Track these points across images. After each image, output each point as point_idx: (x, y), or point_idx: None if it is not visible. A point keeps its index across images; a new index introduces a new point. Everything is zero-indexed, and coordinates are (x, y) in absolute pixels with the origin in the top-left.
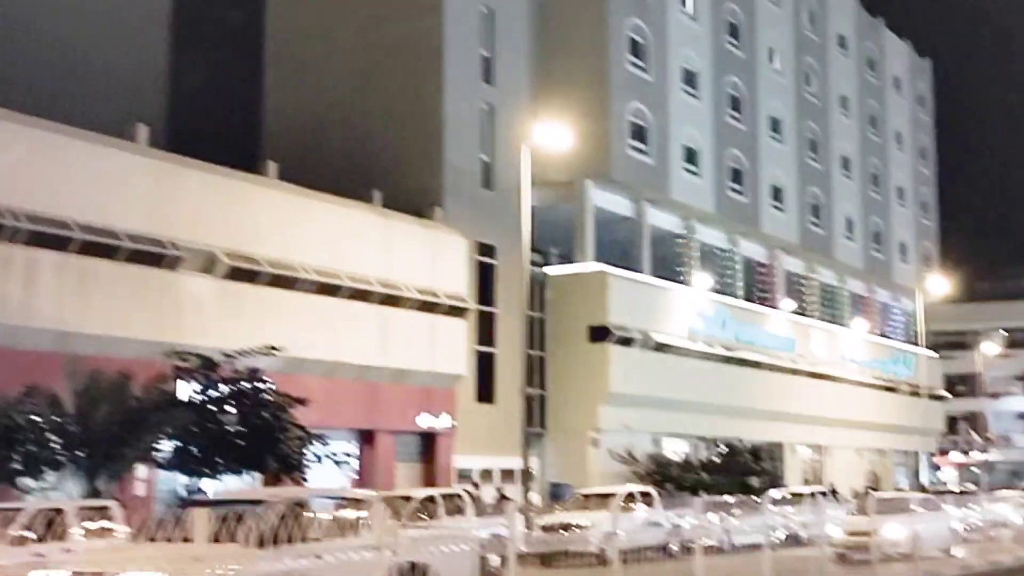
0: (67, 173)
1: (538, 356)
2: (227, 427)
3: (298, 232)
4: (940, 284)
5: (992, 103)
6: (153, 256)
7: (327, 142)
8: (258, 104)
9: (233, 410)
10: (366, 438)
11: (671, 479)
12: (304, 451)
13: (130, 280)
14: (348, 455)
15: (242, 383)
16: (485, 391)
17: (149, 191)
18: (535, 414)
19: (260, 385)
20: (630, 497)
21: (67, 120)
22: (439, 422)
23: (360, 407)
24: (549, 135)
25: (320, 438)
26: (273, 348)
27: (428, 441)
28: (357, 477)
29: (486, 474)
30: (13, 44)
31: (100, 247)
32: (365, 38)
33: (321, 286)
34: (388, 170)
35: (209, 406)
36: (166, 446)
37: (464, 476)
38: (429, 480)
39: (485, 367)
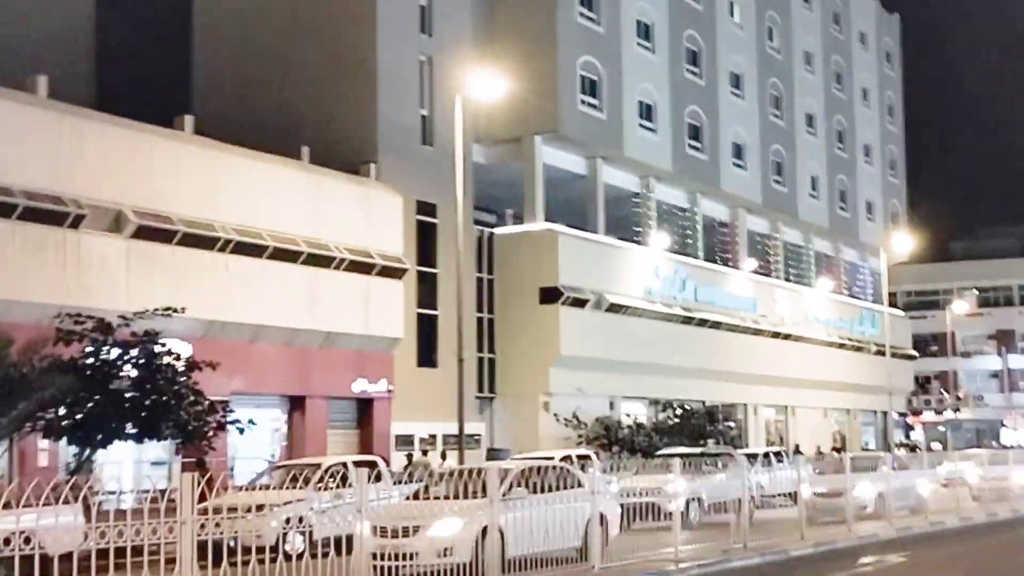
0: None
1: (487, 319)
2: (120, 393)
3: (216, 189)
4: (905, 242)
5: (963, 59)
6: (53, 214)
7: (257, 97)
8: (187, 59)
9: (127, 375)
10: (296, 404)
11: (620, 442)
12: (206, 419)
13: (28, 240)
14: (252, 422)
15: (135, 347)
16: (428, 355)
17: (48, 146)
18: (484, 378)
19: (156, 349)
20: (567, 461)
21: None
22: (375, 387)
23: (288, 372)
24: (485, 86)
25: (224, 404)
26: (171, 309)
27: (364, 407)
28: (286, 444)
29: (429, 440)
30: None
31: None
32: None
33: (241, 245)
34: (321, 126)
35: (99, 371)
36: (53, 415)
37: (405, 442)
38: (366, 447)
39: (428, 330)
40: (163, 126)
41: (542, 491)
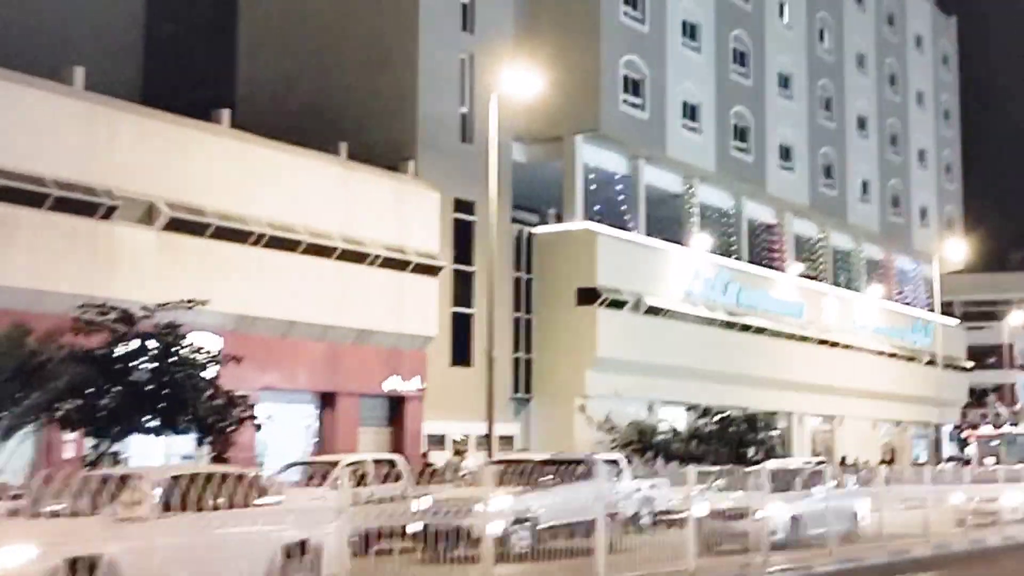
0: None
1: (525, 318)
2: (138, 385)
3: (250, 183)
4: (959, 250)
5: (1021, 63)
6: (84, 205)
7: (299, 93)
8: (232, 53)
9: (145, 367)
10: (327, 401)
11: (654, 448)
12: (226, 413)
13: (58, 230)
14: (270, 417)
15: (154, 339)
16: (462, 354)
17: (82, 137)
18: (521, 378)
19: (175, 341)
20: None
21: (47, 73)
22: (408, 385)
23: (320, 369)
24: (525, 84)
25: (244, 399)
26: (193, 301)
27: (396, 405)
28: (317, 441)
29: (462, 441)
30: None
31: (23, 194)
32: None
33: (274, 240)
34: (361, 122)
35: (117, 363)
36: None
37: (437, 442)
38: (397, 446)
39: (463, 329)
40: (204, 119)
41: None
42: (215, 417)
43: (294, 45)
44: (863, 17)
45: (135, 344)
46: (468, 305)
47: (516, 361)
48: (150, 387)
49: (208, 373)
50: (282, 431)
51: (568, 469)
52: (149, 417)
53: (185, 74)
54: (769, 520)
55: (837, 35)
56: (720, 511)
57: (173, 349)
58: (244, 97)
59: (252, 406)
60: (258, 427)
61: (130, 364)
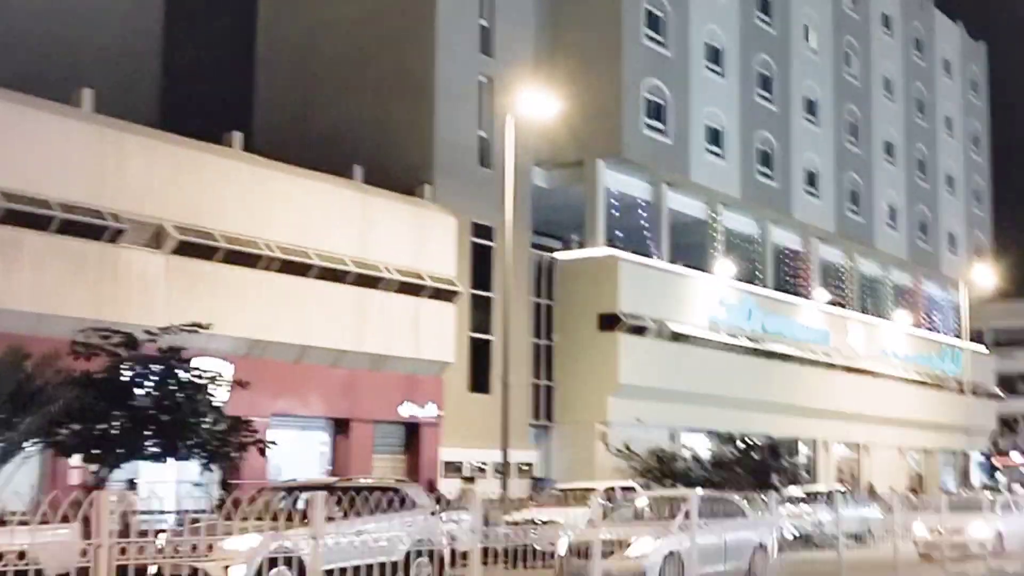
0: None
1: (546, 345)
2: (138, 410)
3: (262, 206)
4: (988, 276)
5: None
6: (91, 228)
7: (317, 117)
8: (250, 78)
9: (144, 392)
10: (341, 427)
11: (674, 475)
12: (229, 438)
13: (64, 253)
14: (273, 442)
15: (155, 363)
16: (480, 380)
17: (89, 159)
18: (541, 405)
19: (176, 365)
20: (609, 493)
21: (62, 96)
22: (424, 412)
23: (334, 394)
24: (544, 108)
25: (247, 424)
26: (197, 325)
27: (411, 432)
28: (331, 468)
29: (478, 468)
30: (9, 16)
31: (28, 217)
32: (355, 6)
33: (287, 264)
34: (379, 146)
35: (117, 387)
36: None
37: (454, 469)
38: (413, 473)
39: (481, 355)
40: (220, 143)
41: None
42: (217, 442)
43: (312, 69)
44: (891, 42)
45: (137, 368)
46: (486, 331)
47: (537, 388)
48: (150, 412)
49: (217, 398)
50: (294, 457)
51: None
52: (150, 443)
53: (203, 99)
54: None
55: (864, 60)
56: None
57: (175, 373)
58: (262, 122)
59: (256, 431)
60: (262, 452)
61: (130, 389)
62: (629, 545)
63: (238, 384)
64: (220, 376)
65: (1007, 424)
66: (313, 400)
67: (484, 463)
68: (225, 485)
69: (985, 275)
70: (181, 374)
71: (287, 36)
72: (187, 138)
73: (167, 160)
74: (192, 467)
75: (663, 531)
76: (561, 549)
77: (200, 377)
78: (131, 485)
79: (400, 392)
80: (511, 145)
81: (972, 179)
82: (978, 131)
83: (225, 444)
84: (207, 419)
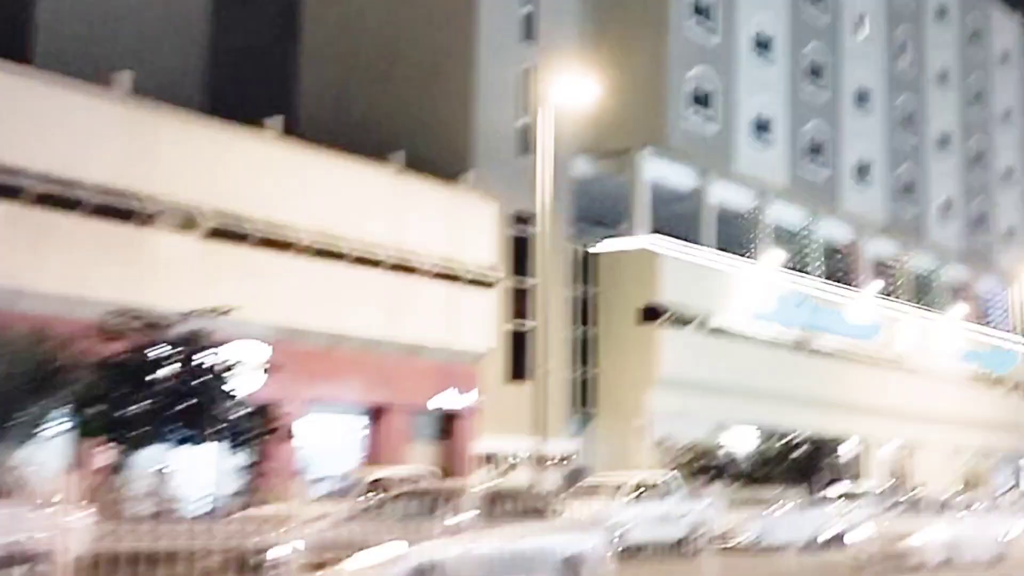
0: (28, 120)
1: (588, 334)
2: (160, 394)
3: (297, 192)
4: None
5: None
6: (122, 211)
7: (359, 103)
8: (294, 64)
9: (167, 375)
10: (376, 415)
11: (712, 469)
12: (248, 424)
13: (96, 236)
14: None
15: (179, 346)
16: (518, 370)
17: (123, 142)
18: (583, 395)
19: (200, 348)
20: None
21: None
22: (460, 401)
23: (369, 382)
24: (587, 96)
25: (273, 409)
26: (222, 308)
27: (447, 421)
28: (366, 456)
29: (514, 458)
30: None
31: (61, 199)
32: None
33: (322, 250)
34: (418, 133)
35: (139, 370)
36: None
37: (490, 458)
38: (449, 462)
39: (520, 344)
40: (261, 127)
41: None
42: (239, 427)
43: (354, 57)
44: (945, 32)
45: (160, 351)
46: (525, 320)
47: (578, 378)
48: (172, 395)
49: (244, 383)
50: (328, 444)
51: None
52: (173, 426)
53: (248, 84)
54: None
55: (918, 50)
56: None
57: (198, 356)
58: (305, 107)
59: (280, 417)
60: (289, 438)
61: (152, 372)
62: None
63: (267, 369)
64: (244, 361)
65: None
66: (348, 387)
67: (517, 454)
68: (250, 471)
69: None
70: (205, 358)
71: (331, 21)
72: (222, 121)
73: (201, 144)
74: (224, 453)
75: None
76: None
77: (224, 361)
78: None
79: (437, 381)
80: (550, 132)
81: None
82: None
83: (248, 430)
84: (228, 404)
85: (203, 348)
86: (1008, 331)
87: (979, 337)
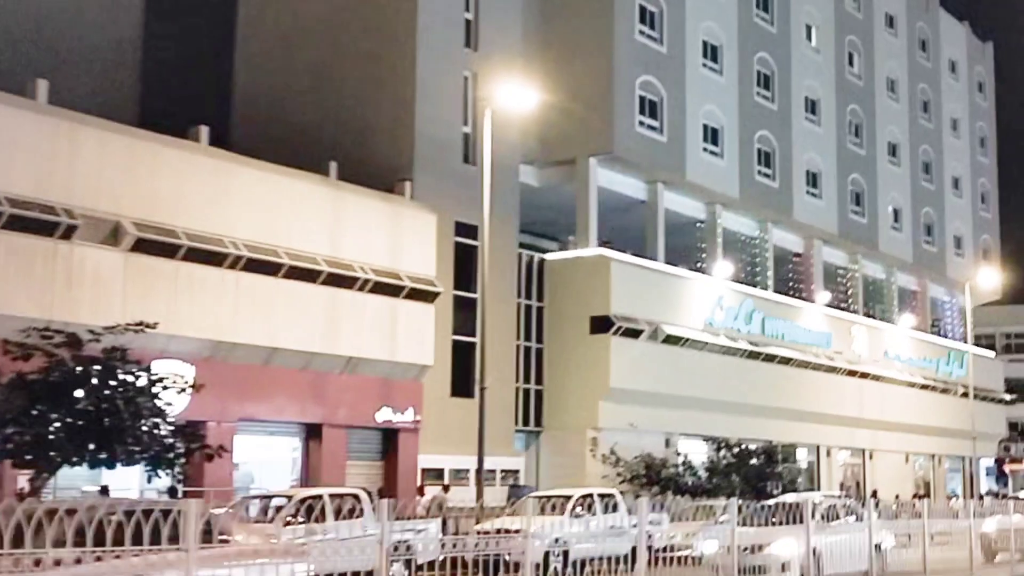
0: None
1: (536, 348)
2: (76, 413)
3: (228, 203)
4: (992, 278)
5: None
6: (41, 224)
7: (297, 113)
8: (230, 75)
9: (83, 394)
10: (313, 433)
11: (663, 482)
12: (173, 443)
13: (14, 250)
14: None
15: (96, 365)
16: (463, 384)
17: (41, 152)
18: (530, 410)
19: (119, 366)
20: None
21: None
22: (402, 417)
23: (305, 399)
24: (530, 103)
25: (188, 428)
26: (144, 324)
27: (389, 437)
28: (303, 475)
29: (459, 474)
30: None
31: None
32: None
33: (253, 262)
34: (358, 142)
35: (53, 389)
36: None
37: (435, 476)
38: (390, 480)
39: (465, 358)
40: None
41: None
42: (159, 448)
43: (292, 66)
44: (894, 42)
45: (75, 369)
46: (470, 333)
47: (526, 392)
48: (88, 415)
49: (176, 401)
50: (263, 464)
51: None
52: (89, 447)
53: (182, 96)
54: None
55: (867, 59)
56: None
57: (116, 375)
58: (241, 117)
59: (206, 435)
60: (209, 457)
61: (68, 390)
62: None
63: (193, 387)
64: (170, 378)
65: (1017, 429)
66: (283, 404)
67: (465, 469)
68: (172, 493)
69: (990, 278)
70: (123, 376)
71: (267, 31)
72: (148, 131)
73: (126, 154)
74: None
75: None
76: None
77: (147, 379)
78: (104, 491)
79: (376, 396)
80: (488, 139)
81: (978, 181)
82: (984, 132)
83: (169, 450)
84: (146, 423)
85: (123, 365)
86: (959, 338)
87: (930, 344)
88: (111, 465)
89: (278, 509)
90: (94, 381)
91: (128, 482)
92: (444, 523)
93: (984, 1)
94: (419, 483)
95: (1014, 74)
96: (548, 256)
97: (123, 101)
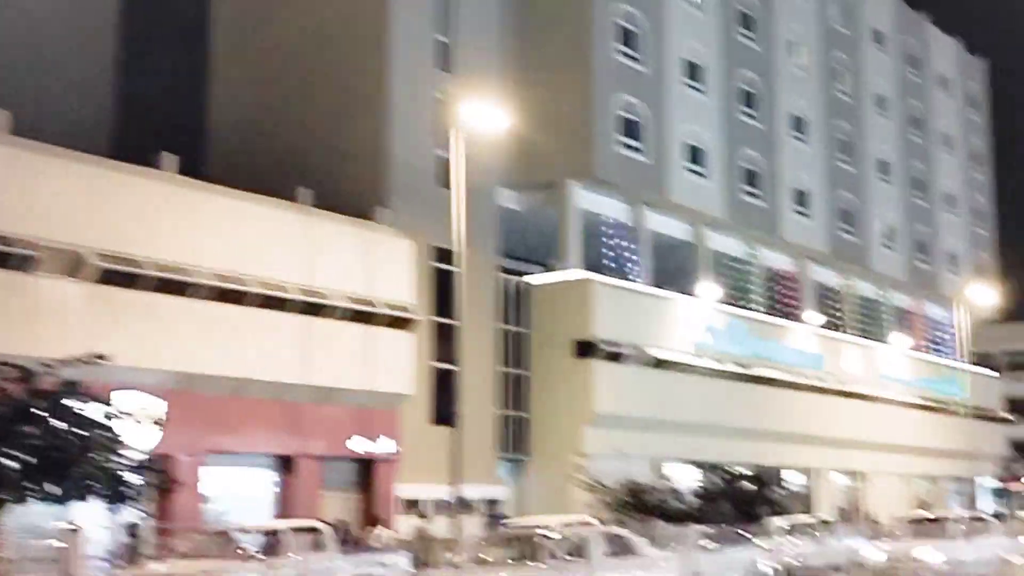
0: None
1: (517, 374)
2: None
3: (196, 232)
4: (988, 296)
5: None
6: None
7: (272, 140)
8: (204, 104)
9: (36, 429)
10: (286, 465)
11: (649, 508)
12: (126, 476)
13: None
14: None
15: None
16: (443, 412)
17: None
18: (514, 438)
19: (70, 400)
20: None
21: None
22: (378, 447)
23: (278, 430)
24: (499, 122)
25: (147, 462)
26: (99, 357)
27: (366, 468)
28: (278, 508)
29: (445, 504)
30: None
31: None
32: (308, 25)
33: (223, 292)
34: (331, 168)
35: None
36: None
37: (414, 506)
38: (367, 511)
39: (445, 385)
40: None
41: None
42: (115, 483)
43: (266, 93)
44: (883, 58)
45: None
46: (450, 360)
47: (509, 419)
48: (40, 450)
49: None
50: (235, 498)
51: None
52: (42, 483)
53: (156, 124)
54: None
55: (855, 76)
56: None
57: (69, 408)
58: (215, 145)
59: (170, 469)
60: (167, 492)
61: (22, 424)
62: None
63: (155, 422)
64: (134, 410)
65: (1020, 448)
66: (255, 436)
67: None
68: (132, 529)
69: (986, 295)
70: (78, 409)
71: (240, 58)
72: (113, 161)
73: (90, 184)
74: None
75: None
76: None
77: (106, 412)
78: (75, 528)
79: (352, 426)
80: (461, 162)
81: (973, 198)
82: (978, 148)
83: (124, 484)
84: (99, 457)
85: (76, 398)
86: (955, 357)
87: (925, 364)
88: (63, 501)
89: (234, 544)
90: (45, 415)
91: (100, 518)
92: (417, 555)
93: (980, 19)
94: (392, 513)
95: (1012, 90)
96: (531, 280)
97: (97, 131)
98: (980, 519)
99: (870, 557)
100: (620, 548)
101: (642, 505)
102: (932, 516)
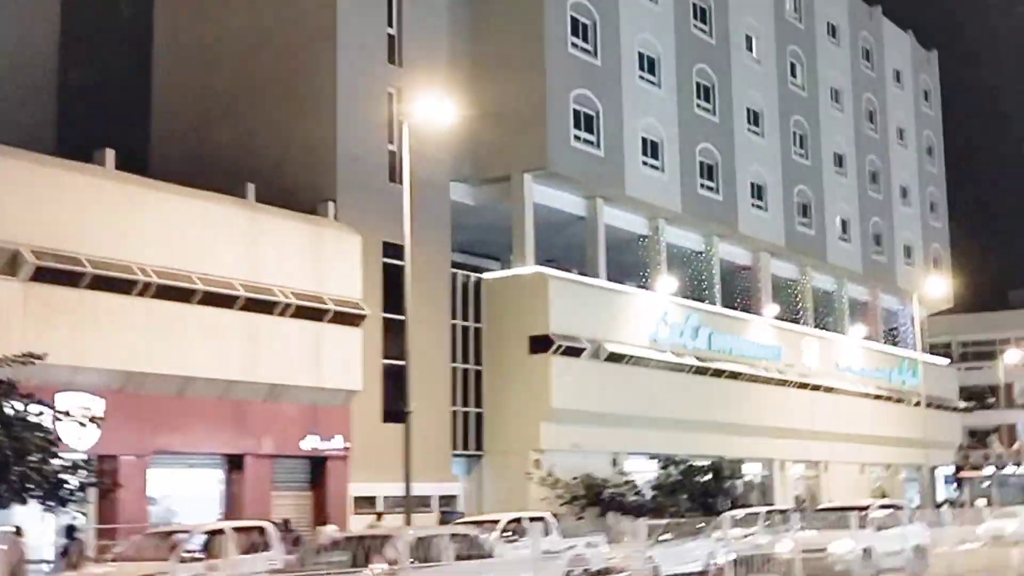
0: None
1: (473, 370)
2: None
3: (137, 228)
4: (942, 287)
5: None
6: None
7: (216, 136)
8: (147, 98)
9: None
10: (235, 464)
11: (604, 502)
12: (61, 478)
13: None
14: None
15: None
16: (395, 409)
17: None
18: (470, 434)
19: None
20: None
21: None
22: (329, 444)
23: (225, 429)
24: (447, 115)
25: (86, 463)
26: (31, 356)
27: (317, 466)
28: (226, 508)
29: (396, 501)
30: None
31: None
32: (255, 17)
33: (165, 289)
34: (278, 163)
35: None
36: None
37: (367, 504)
38: (319, 510)
39: (396, 382)
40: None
41: None
42: (50, 485)
43: (210, 86)
44: (837, 51)
45: None
46: (401, 357)
47: (464, 415)
48: None
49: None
50: (183, 498)
51: None
52: None
53: (99, 119)
54: None
55: (810, 70)
56: None
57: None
58: (160, 140)
59: (95, 471)
60: (108, 492)
61: None
62: None
63: (93, 420)
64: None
65: (978, 437)
66: (201, 435)
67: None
68: (70, 532)
69: (940, 286)
70: (8, 410)
71: (184, 51)
72: (49, 156)
73: (23, 180)
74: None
75: None
76: None
77: (40, 413)
78: (19, 532)
79: (302, 424)
80: (407, 156)
81: (927, 190)
82: (932, 141)
83: (61, 486)
84: (35, 459)
85: (19, 399)
86: (910, 347)
87: (882, 354)
88: (2, 505)
89: (175, 545)
90: None
91: (44, 521)
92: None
93: (929, 10)
94: (346, 512)
95: (960, 82)
96: (485, 276)
97: (38, 127)
98: (897, 507)
99: (780, 550)
100: (471, 549)
101: (598, 499)
102: (849, 505)
